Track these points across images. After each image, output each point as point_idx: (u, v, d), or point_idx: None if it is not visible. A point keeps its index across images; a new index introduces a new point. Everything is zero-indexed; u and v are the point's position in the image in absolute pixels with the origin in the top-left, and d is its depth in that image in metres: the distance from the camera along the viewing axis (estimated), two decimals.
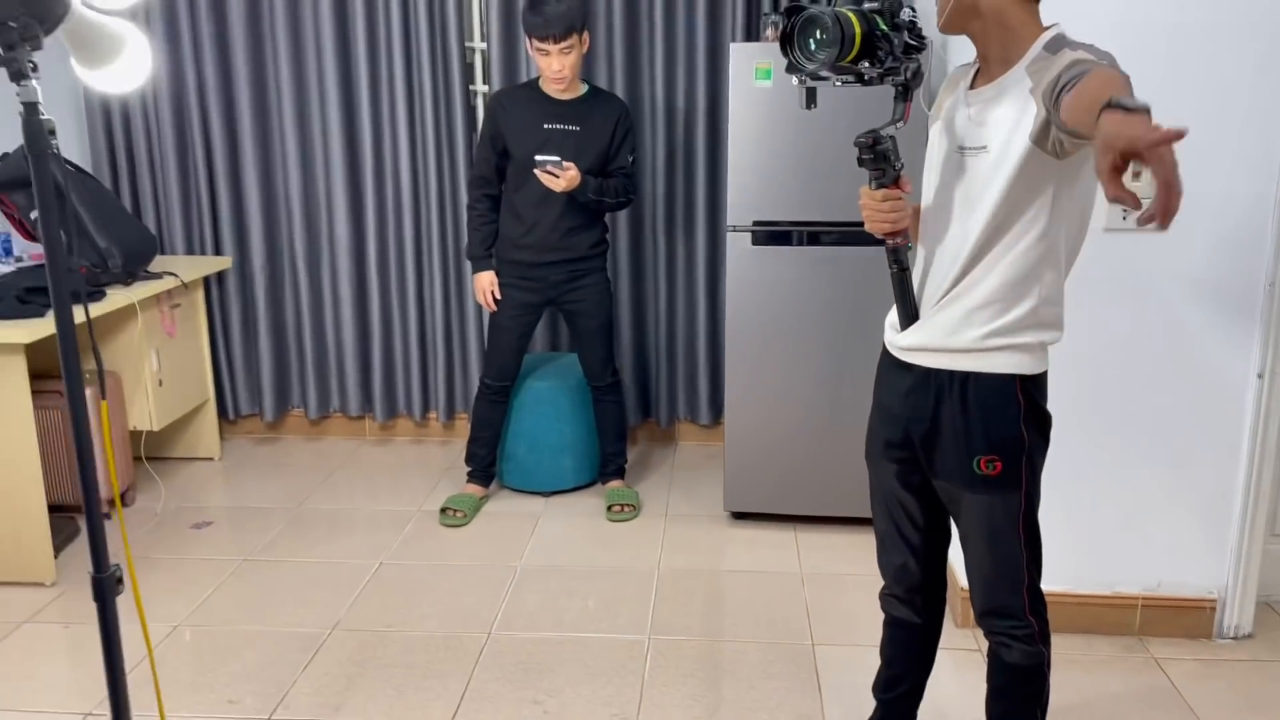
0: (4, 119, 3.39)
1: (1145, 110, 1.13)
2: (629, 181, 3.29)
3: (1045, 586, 1.73)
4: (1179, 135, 1.03)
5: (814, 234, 3.09)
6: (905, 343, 1.71)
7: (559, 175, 3.06)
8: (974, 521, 1.69)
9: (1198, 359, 2.44)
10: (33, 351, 2.84)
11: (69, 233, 3.12)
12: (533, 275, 3.29)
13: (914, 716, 2.05)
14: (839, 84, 1.65)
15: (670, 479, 3.75)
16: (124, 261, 3.25)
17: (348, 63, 3.75)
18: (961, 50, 1.72)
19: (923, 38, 1.62)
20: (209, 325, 3.91)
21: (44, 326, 2.78)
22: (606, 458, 3.56)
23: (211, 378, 3.89)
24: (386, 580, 2.96)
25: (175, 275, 3.46)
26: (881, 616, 2.00)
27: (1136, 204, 1.09)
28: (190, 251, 3.95)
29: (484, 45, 3.81)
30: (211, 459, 3.94)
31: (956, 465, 1.66)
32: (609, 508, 3.42)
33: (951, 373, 1.65)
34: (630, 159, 3.28)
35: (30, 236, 3.26)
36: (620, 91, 3.66)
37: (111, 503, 3.14)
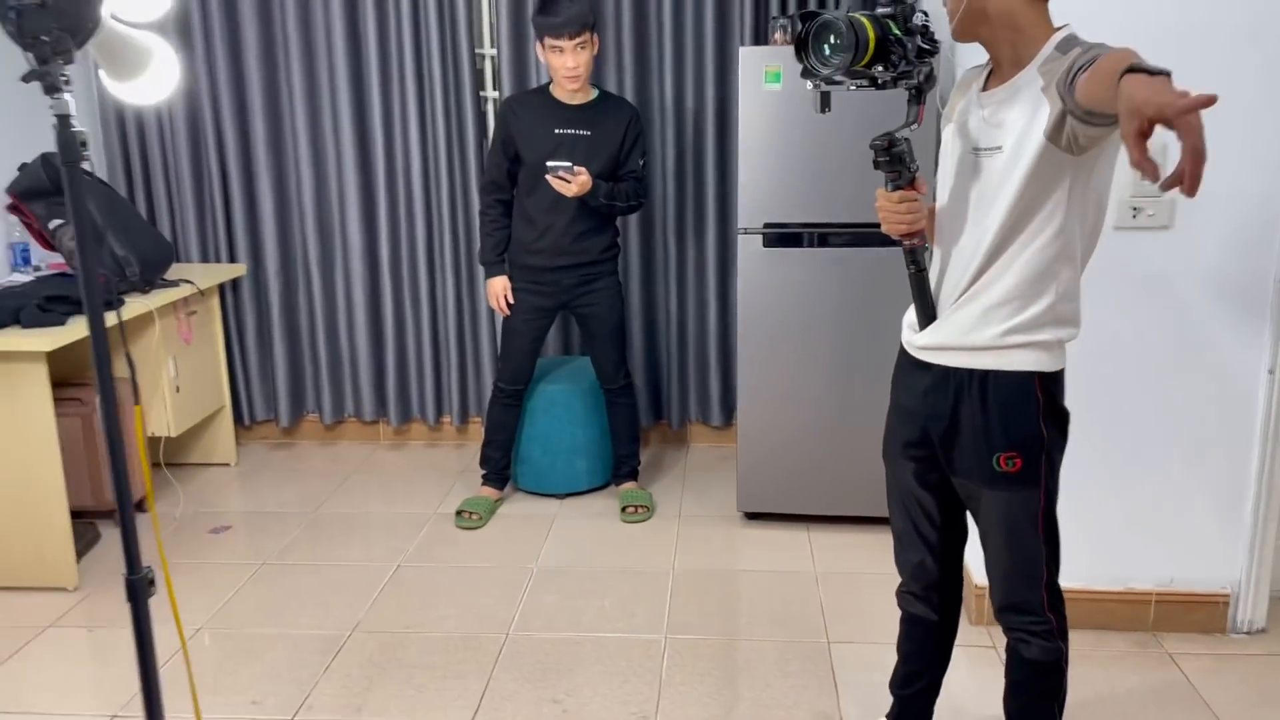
0: (15, 128, 3.45)
1: (1167, 74, 1.14)
2: (640, 185, 3.31)
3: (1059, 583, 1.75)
4: (1209, 101, 1.04)
5: (824, 235, 3.11)
6: (923, 342, 1.73)
7: (570, 180, 3.09)
8: (993, 518, 1.71)
9: (1208, 356, 2.46)
10: (52, 359, 2.87)
11: (77, 240, 3.15)
12: (545, 280, 3.32)
13: (931, 712, 2.07)
14: (853, 88, 1.67)
15: (683, 480, 3.77)
16: (141, 269, 3.28)
17: (359, 69, 3.79)
18: (971, 53, 1.75)
19: (935, 42, 1.64)
20: (224, 332, 3.94)
21: (65, 335, 2.82)
22: (620, 459, 3.58)
23: (227, 384, 3.92)
24: (404, 582, 2.99)
25: (191, 283, 3.49)
26: (897, 614, 2.02)
27: (1156, 174, 1.10)
28: (205, 259, 3.99)
29: (494, 51, 3.84)
30: (228, 464, 3.97)
31: (976, 463, 1.68)
32: (623, 509, 3.44)
33: (970, 371, 1.67)
34: (641, 163, 3.31)
35: (49, 246, 3.29)
36: (630, 96, 3.69)
37: (139, 505, 3.17)
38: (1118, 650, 2.54)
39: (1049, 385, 1.66)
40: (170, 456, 3.88)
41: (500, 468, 3.52)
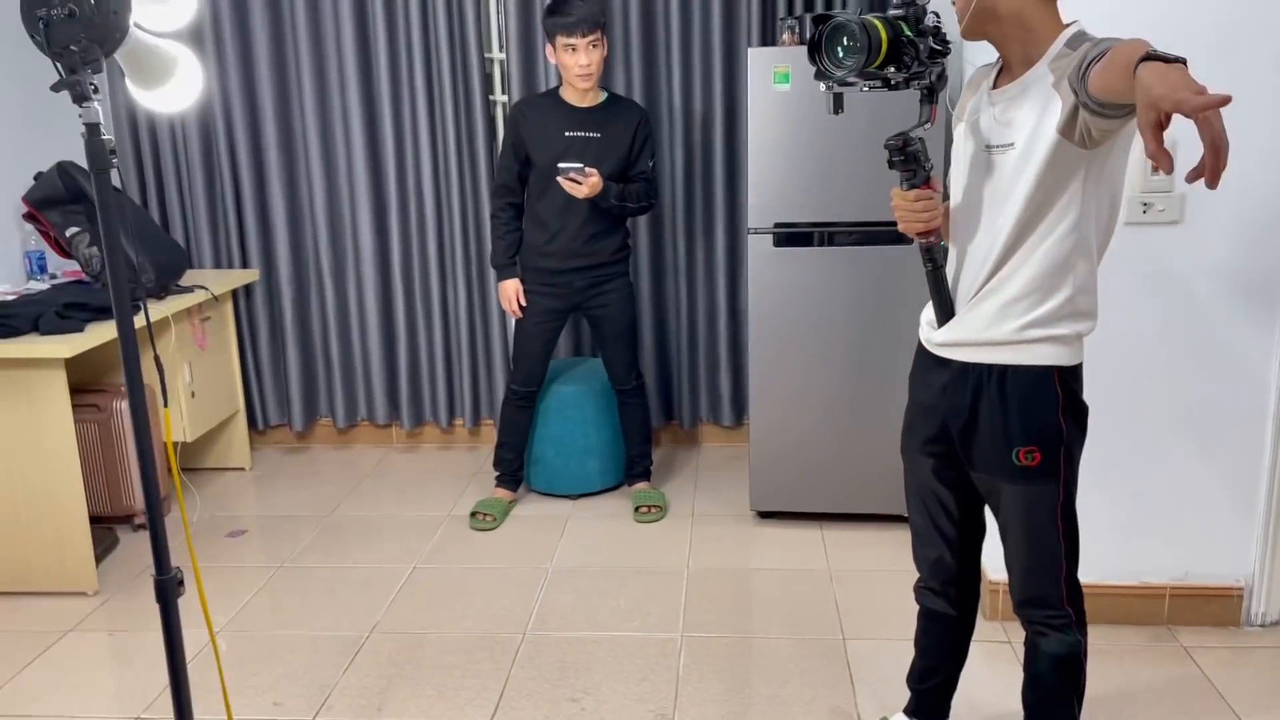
0: (31, 138, 3.49)
1: (1182, 61, 1.15)
2: (650, 186, 3.33)
3: None
4: (1224, 100, 1.06)
5: (834, 235, 3.13)
6: (942, 339, 1.75)
7: (582, 182, 3.11)
8: (1012, 512, 1.72)
9: (1220, 350, 2.47)
10: (69, 366, 2.89)
11: (105, 248, 3.18)
12: (557, 282, 3.34)
13: (948, 707, 2.09)
14: (866, 89, 1.69)
15: (695, 480, 3.79)
16: (157, 276, 3.31)
17: (369, 75, 3.82)
18: (981, 51, 1.76)
19: (947, 42, 1.66)
20: (238, 337, 3.97)
21: (83, 341, 2.84)
22: (632, 460, 3.60)
23: (241, 389, 3.95)
24: (421, 584, 3.01)
25: (206, 289, 3.52)
26: (912, 610, 2.04)
27: (1171, 166, 1.11)
28: (218, 265, 4.02)
29: (503, 56, 3.87)
30: (243, 469, 4.00)
31: (995, 457, 1.70)
32: (636, 509, 3.46)
33: (989, 366, 1.69)
34: (651, 164, 3.33)
35: (65, 254, 3.32)
36: (638, 98, 3.71)
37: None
38: (1133, 644, 2.56)
39: (1068, 379, 1.67)
40: (185, 461, 3.91)
41: (514, 469, 3.54)
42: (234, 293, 3.96)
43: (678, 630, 2.70)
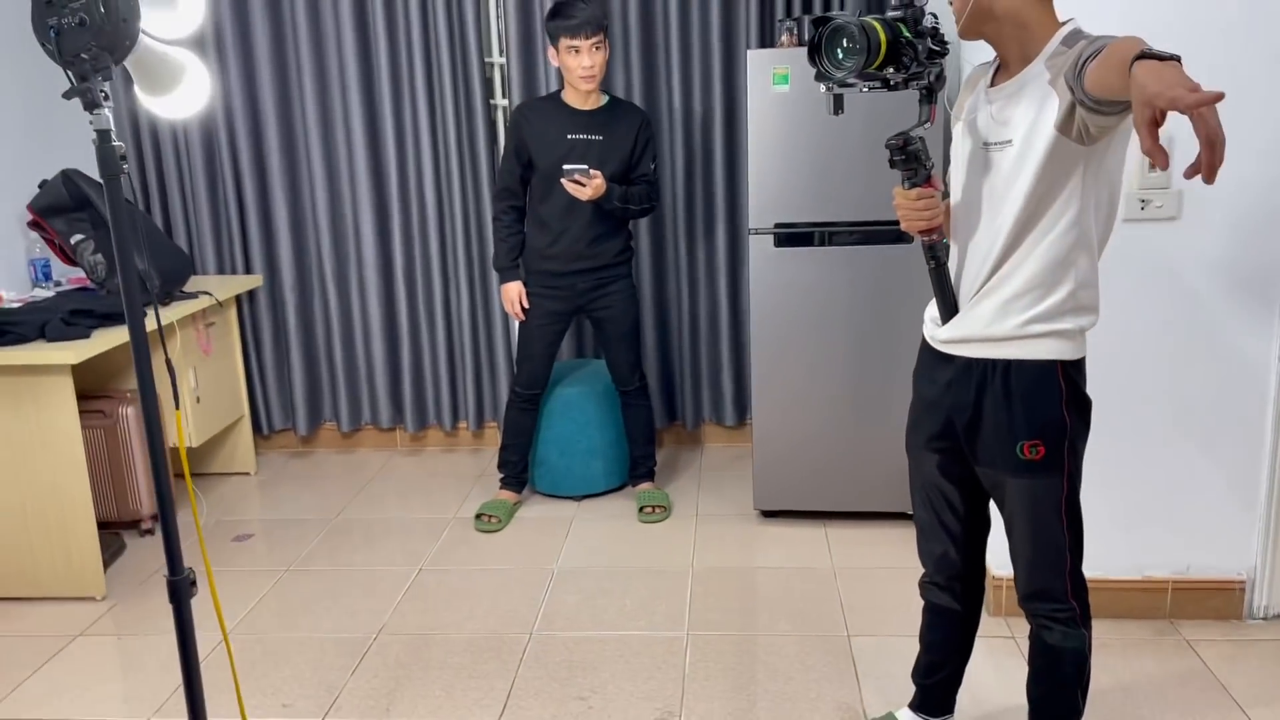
0: (35, 146, 3.51)
1: (1177, 59, 1.17)
2: (652, 188, 3.35)
3: None
4: (1218, 97, 1.08)
5: (835, 234, 3.15)
6: (946, 335, 1.76)
7: (586, 184, 3.13)
8: (1017, 506, 1.74)
9: (1219, 345, 2.49)
10: (75, 373, 2.91)
11: (110, 255, 3.20)
12: (560, 284, 3.36)
13: (953, 701, 2.10)
14: (865, 90, 1.71)
15: (699, 480, 3.80)
16: (161, 282, 3.33)
17: (370, 80, 3.84)
18: (978, 51, 1.78)
19: (945, 43, 1.68)
20: (242, 343, 3.99)
21: (90, 347, 2.86)
22: (636, 460, 3.62)
23: (246, 394, 3.97)
24: (427, 585, 3.03)
25: (210, 294, 3.54)
26: (916, 606, 2.06)
27: (1166, 162, 1.13)
28: (221, 270, 4.04)
29: (503, 60, 3.89)
30: (248, 474, 4.01)
31: (1000, 451, 1.71)
32: (640, 509, 3.48)
33: (993, 361, 1.70)
34: (652, 166, 3.35)
35: (70, 261, 3.34)
36: (638, 100, 3.73)
37: (157, 515, 3.21)
38: (1136, 638, 2.57)
39: (1071, 373, 1.68)
40: (191, 467, 3.93)
41: (518, 471, 3.56)
42: (238, 298, 3.98)
43: (683, 629, 2.72)
